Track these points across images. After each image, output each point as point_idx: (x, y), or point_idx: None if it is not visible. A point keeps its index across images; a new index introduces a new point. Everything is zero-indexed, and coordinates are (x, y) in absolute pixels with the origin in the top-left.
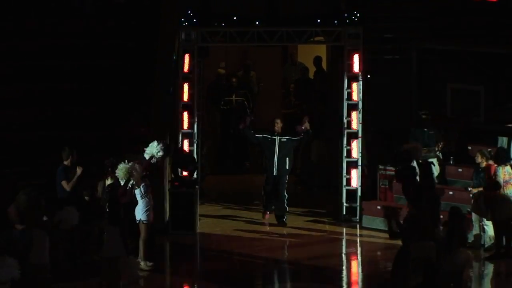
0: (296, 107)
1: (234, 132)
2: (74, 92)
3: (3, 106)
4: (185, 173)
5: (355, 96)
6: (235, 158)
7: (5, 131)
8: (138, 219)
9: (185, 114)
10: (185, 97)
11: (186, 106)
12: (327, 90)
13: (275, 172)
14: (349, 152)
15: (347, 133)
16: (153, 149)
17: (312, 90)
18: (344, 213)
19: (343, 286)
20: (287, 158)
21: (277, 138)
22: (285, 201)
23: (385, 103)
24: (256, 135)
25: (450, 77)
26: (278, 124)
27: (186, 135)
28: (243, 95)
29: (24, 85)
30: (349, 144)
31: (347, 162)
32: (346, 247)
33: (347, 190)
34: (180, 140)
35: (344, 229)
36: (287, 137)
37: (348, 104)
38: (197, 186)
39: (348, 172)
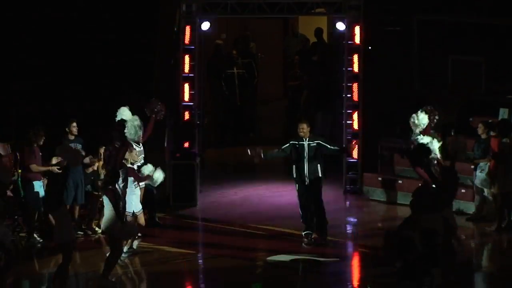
0: (300, 79)
1: (236, 105)
2: (72, 65)
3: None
4: (186, 145)
5: (356, 68)
6: (236, 130)
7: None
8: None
9: (186, 86)
10: (186, 69)
11: (187, 78)
12: (329, 62)
13: (306, 182)
14: (350, 124)
15: (348, 104)
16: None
17: (313, 61)
18: (346, 184)
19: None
20: (318, 165)
21: (306, 143)
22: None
23: (386, 74)
24: (283, 148)
25: (451, 49)
26: (304, 129)
27: (187, 107)
28: (247, 64)
29: (23, 60)
30: (350, 115)
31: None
32: (347, 216)
33: (348, 161)
34: (180, 112)
35: (346, 199)
36: (316, 142)
37: (349, 76)
38: (198, 158)
39: (349, 144)
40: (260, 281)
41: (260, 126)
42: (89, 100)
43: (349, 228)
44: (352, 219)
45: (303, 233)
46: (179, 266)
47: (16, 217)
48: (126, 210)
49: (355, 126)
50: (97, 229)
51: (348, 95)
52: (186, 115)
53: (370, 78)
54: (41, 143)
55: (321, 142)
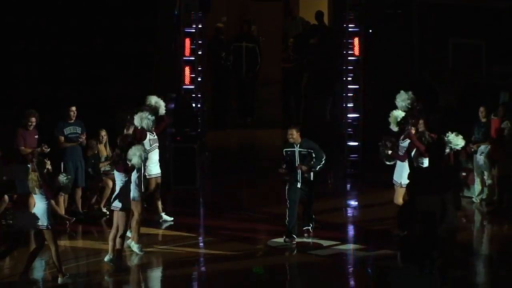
0: (295, 62)
1: (241, 80)
2: (71, 49)
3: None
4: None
5: (356, 51)
6: (237, 113)
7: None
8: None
9: (187, 70)
10: (187, 52)
11: (188, 62)
12: (329, 45)
13: (299, 185)
14: (350, 107)
15: (349, 88)
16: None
17: (311, 44)
18: (347, 167)
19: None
20: (311, 173)
21: (297, 150)
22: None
23: (386, 58)
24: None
25: (451, 32)
26: (293, 136)
27: (188, 91)
28: (251, 49)
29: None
30: (350, 99)
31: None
32: (348, 199)
33: (349, 144)
34: (181, 95)
35: (346, 183)
36: (308, 150)
37: (349, 59)
38: (198, 141)
39: (351, 127)
40: (261, 265)
41: (260, 108)
42: (89, 84)
43: (350, 212)
44: (352, 202)
45: (285, 238)
46: (179, 249)
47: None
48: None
49: (356, 109)
50: (104, 210)
51: (349, 79)
52: (187, 98)
53: (371, 61)
54: (31, 127)
55: (313, 152)
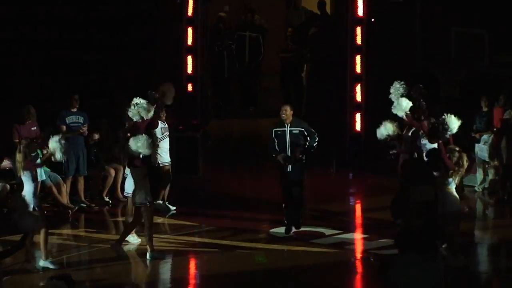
0: (294, 52)
1: (243, 70)
2: (72, 38)
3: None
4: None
5: (359, 40)
6: (240, 101)
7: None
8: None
9: (189, 58)
10: (189, 41)
11: (190, 50)
12: (330, 34)
13: (289, 168)
14: (352, 96)
15: (351, 77)
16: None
17: (311, 34)
18: (348, 156)
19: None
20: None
21: (287, 129)
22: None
23: (388, 47)
24: (272, 136)
25: (453, 21)
26: (287, 112)
27: (190, 79)
28: (255, 39)
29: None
30: (352, 88)
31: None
32: (350, 189)
33: (351, 134)
34: (184, 84)
35: (348, 172)
36: (299, 129)
37: (352, 48)
38: (201, 130)
39: (352, 116)
40: (263, 254)
41: (262, 97)
42: (90, 73)
43: (351, 201)
44: (354, 191)
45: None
46: (182, 238)
47: None
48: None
49: (358, 98)
50: (106, 199)
51: (351, 68)
52: (189, 87)
53: (373, 51)
54: (26, 121)
55: (304, 130)
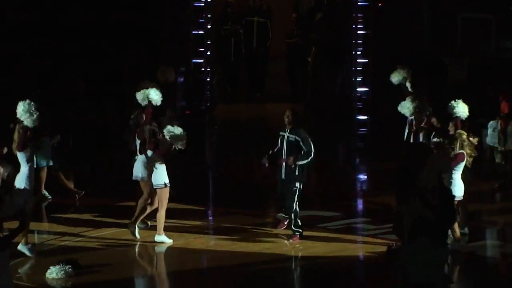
0: (298, 37)
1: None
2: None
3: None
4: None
5: (366, 25)
6: (247, 86)
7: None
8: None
9: (196, 43)
10: (197, 26)
11: (197, 35)
12: (337, 19)
13: (283, 176)
14: (359, 82)
15: (358, 62)
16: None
17: (316, 19)
18: (356, 141)
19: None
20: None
21: (286, 135)
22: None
23: (396, 32)
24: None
25: (461, 6)
26: (289, 117)
27: (197, 64)
28: (263, 24)
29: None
30: (360, 73)
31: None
32: (357, 174)
33: (358, 119)
34: (191, 69)
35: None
36: (295, 137)
37: (358, 33)
38: (207, 115)
39: (360, 101)
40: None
41: (270, 82)
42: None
43: (358, 185)
44: (361, 176)
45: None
46: (187, 223)
47: None
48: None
49: (364, 83)
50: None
51: (358, 53)
52: (196, 73)
53: (380, 35)
54: None
55: (300, 141)
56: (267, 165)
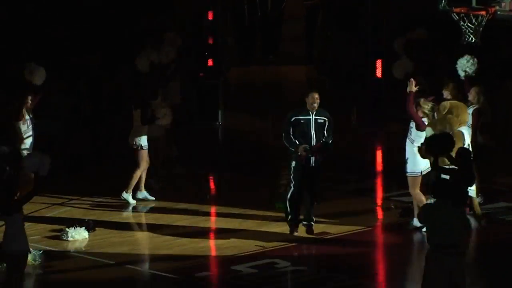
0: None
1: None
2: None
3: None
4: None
5: None
6: (261, 49)
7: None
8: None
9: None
10: None
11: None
12: None
13: (311, 163)
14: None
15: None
16: None
17: None
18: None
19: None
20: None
21: (312, 118)
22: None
23: None
24: (290, 124)
25: None
26: (318, 100)
27: (209, 28)
28: None
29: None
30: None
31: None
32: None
33: (372, 79)
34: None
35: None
36: (324, 118)
37: None
38: (221, 77)
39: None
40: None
41: (284, 45)
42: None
43: (371, 149)
44: (374, 140)
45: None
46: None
47: None
48: None
49: (378, 74)
50: None
51: (372, 14)
52: (209, 37)
53: None
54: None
55: (327, 120)
56: (306, 154)
